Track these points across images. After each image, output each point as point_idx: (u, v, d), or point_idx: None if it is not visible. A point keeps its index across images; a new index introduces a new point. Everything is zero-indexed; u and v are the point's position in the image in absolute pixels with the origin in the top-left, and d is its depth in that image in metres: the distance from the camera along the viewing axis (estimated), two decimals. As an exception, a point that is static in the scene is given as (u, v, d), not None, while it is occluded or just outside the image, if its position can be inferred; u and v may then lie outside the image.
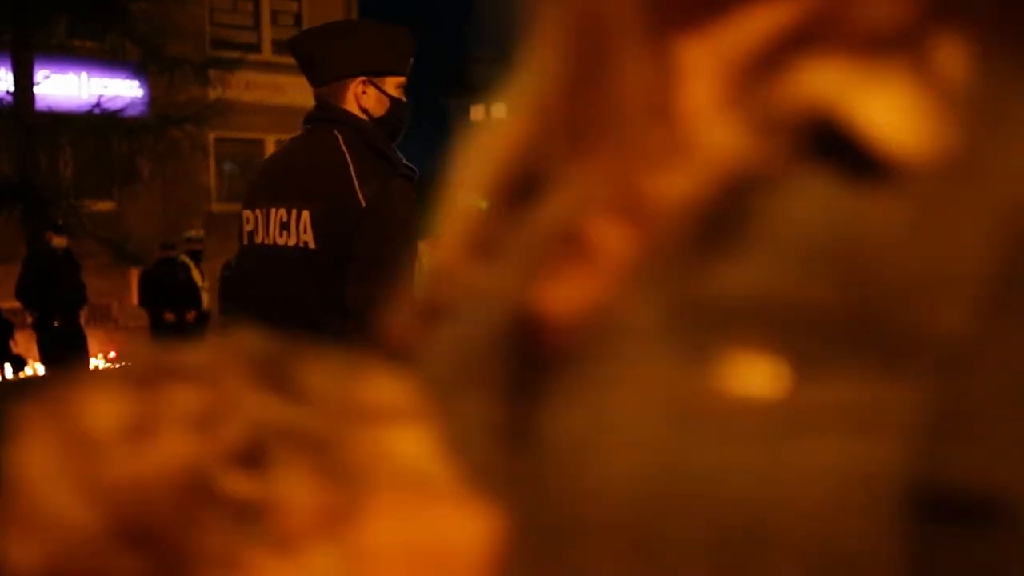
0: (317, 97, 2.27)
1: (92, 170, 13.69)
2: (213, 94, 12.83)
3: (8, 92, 11.35)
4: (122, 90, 15.07)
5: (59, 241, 9.06)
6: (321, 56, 2.23)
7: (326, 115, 2.23)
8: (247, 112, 17.05)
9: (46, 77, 12.21)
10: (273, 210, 2.19)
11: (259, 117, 17.75)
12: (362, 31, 2.30)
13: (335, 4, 19.21)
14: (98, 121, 11.74)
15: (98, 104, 11.88)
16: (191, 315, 9.99)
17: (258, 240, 2.22)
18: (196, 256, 10.23)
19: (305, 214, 2.13)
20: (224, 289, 12.89)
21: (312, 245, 2.12)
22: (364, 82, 2.20)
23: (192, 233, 10.40)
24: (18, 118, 11.11)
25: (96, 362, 14.81)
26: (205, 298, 10.28)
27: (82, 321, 9.69)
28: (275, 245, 2.18)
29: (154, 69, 13.03)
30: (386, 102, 2.23)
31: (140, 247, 11.89)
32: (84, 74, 15.01)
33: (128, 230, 12.66)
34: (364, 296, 2.01)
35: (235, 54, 14.41)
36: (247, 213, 2.28)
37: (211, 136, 15.93)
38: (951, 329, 0.26)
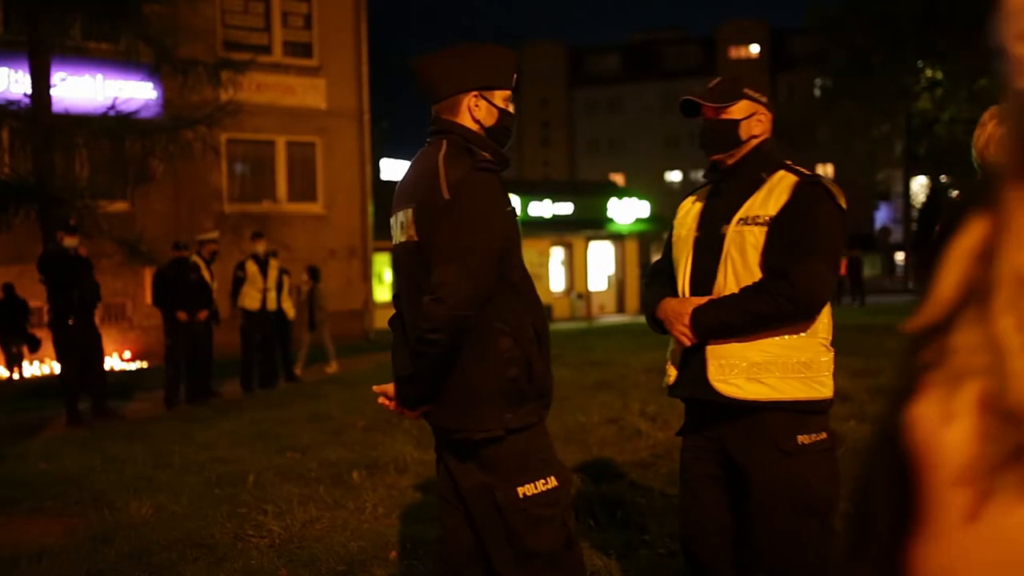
0: (432, 112, 2.53)
1: (107, 171, 13.84)
2: (225, 96, 12.91)
3: (26, 95, 11.49)
4: (136, 92, 15.22)
5: (71, 241, 9.15)
6: (439, 76, 2.49)
7: (437, 127, 2.51)
8: (258, 113, 17.19)
9: (63, 80, 12.37)
10: (397, 215, 2.52)
11: (270, 118, 17.88)
12: (473, 52, 2.53)
13: (344, 6, 19.33)
14: (113, 123, 11.84)
15: (113, 106, 11.98)
16: (203, 314, 10.13)
17: (393, 242, 2.56)
18: (211, 256, 10.36)
19: (410, 211, 2.43)
20: (235, 289, 12.81)
21: (415, 237, 2.42)
22: (476, 96, 2.48)
23: (208, 235, 10.53)
24: (35, 120, 11.25)
25: (111, 360, 14.97)
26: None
27: (97, 320, 9.81)
28: (398, 244, 2.51)
29: (168, 70, 13.14)
30: (496, 113, 2.51)
31: (153, 247, 12.03)
32: (100, 76, 15.16)
33: (141, 230, 12.80)
34: (441, 277, 2.31)
35: (246, 55, 14.47)
36: (391, 221, 2.60)
37: (223, 137, 16.06)
38: None
